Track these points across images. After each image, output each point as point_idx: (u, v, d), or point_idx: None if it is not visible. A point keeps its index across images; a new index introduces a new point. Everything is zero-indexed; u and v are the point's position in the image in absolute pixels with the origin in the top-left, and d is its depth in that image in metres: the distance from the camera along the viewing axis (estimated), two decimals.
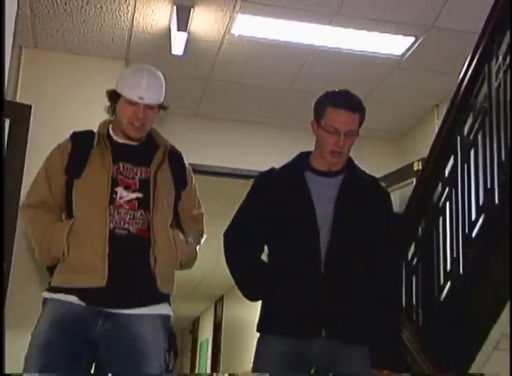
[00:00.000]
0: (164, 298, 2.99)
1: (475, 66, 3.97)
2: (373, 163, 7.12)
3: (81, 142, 3.06)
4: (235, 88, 6.80)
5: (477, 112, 3.96)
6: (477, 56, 3.95)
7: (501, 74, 3.76)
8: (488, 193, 3.73)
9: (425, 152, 4.55)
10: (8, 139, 5.29)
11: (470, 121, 4.01)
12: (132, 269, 2.91)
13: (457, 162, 4.05)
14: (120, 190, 2.96)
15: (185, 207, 3.17)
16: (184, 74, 6.51)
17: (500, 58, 3.78)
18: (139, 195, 2.99)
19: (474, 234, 3.78)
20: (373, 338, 2.99)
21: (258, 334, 3.15)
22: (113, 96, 3.06)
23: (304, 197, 3.07)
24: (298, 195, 3.10)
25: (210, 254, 6.15)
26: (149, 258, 2.94)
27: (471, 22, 3.92)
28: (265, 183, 3.24)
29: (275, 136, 7.36)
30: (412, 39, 5.90)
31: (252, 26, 5.81)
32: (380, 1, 5.40)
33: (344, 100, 3.07)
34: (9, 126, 5.32)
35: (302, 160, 3.23)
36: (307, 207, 3.05)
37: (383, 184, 6.88)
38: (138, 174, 3.04)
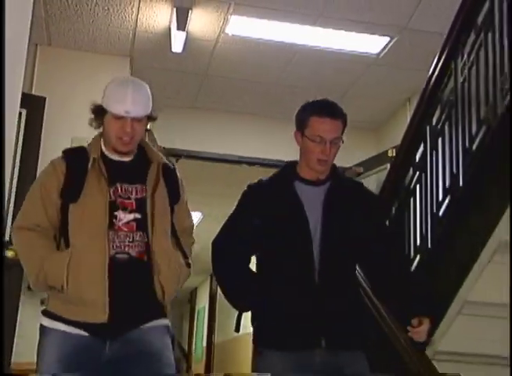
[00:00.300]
0: (165, 314, 2.74)
1: (443, 63, 3.97)
2: (353, 151, 7.15)
3: (75, 162, 2.69)
4: (229, 83, 6.79)
5: (444, 104, 3.96)
6: (444, 55, 3.95)
7: (466, 71, 3.77)
8: (454, 176, 3.74)
9: (398, 140, 4.58)
10: (25, 128, 5.30)
11: (438, 112, 4.01)
12: (136, 297, 2.63)
13: (426, 149, 4.06)
14: (119, 213, 2.65)
15: (178, 219, 2.84)
16: (183, 69, 6.51)
17: (465, 56, 3.79)
18: (137, 215, 2.68)
19: (440, 213, 3.79)
20: (404, 298, 2.85)
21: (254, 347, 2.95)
22: (100, 111, 2.72)
23: (296, 207, 2.85)
24: (290, 205, 2.87)
25: (207, 232, 6.22)
26: (154, 285, 2.65)
27: (440, 24, 3.93)
28: (255, 194, 2.98)
29: (264, 126, 7.37)
30: (387, 39, 5.92)
31: (244, 26, 5.83)
32: (359, 5, 5.40)
33: (327, 109, 2.89)
34: (26, 116, 5.32)
35: (290, 170, 2.99)
36: (300, 217, 2.83)
37: (361, 170, 6.99)
38: (134, 193, 2.71)
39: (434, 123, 4.02)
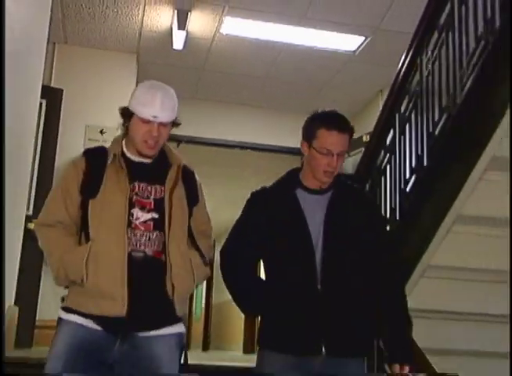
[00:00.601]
0: (179, 319, 2.48)
1: (410, 59, 3.97)
2: None
3: (95, 160, 2.48)
4: (224, 77, 6.80)
5: (411, 95, 3.97)
6: (411, 52, 3.96)
7: (430, 66, 3.79)
8: (419, 157, 3.76)
9: (372, 127, 4.53)
10: (45, 116, 5.33)
11: (405, 102, 4.02)
12: (151, 295, 2.40)
13: (396, 134, 4.06)
14: (136, 212, 2.42)
15: (196, 222, 2.59)
16: (183, 64, 6.52)
17: (429, 53, 3.81)
18: (155, 215, 2.45)
19: (407, 189, 3.81)
20: (386, 335, 2.62)
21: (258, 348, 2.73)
22: (126, 114, 2.49)
23: (297, 216, 2.62)
24: (291, 214, 2.64)
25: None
26: (166, 283, 2.43)
27: (409, 25, 3.95)
28: (259, 202, 2.75)
29: (254, 114, 7.40)
30: (362, 38, 5.96)
31: (237, 26, 5.86)
32: (337, 7, 5.45)
33: (336, 122, 2.62)
34: (46, 105, 5.34)
35: (292, 179, 2.75)
36: (301, 226, 2.60)
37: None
38: (153, 193, 2.48)
39: (402, 111, 4.02)
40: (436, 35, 3.76)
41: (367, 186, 4.32)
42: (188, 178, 2.60)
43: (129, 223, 2.39)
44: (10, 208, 3.81)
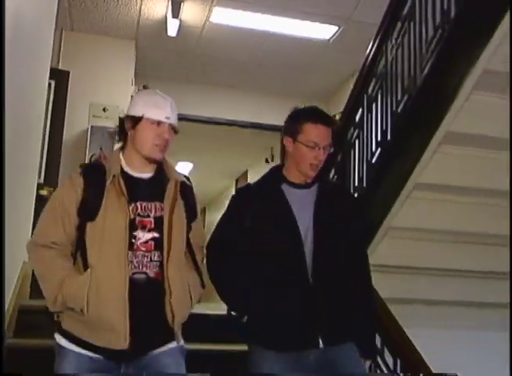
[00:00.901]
0: (178, 336, 2.20)
1: (377, 46, 3.97)
2: None
3: (94, 178, 2.15)
4: (213, 61, 6.80)
5: (377, 78, 3.97)
6: (378, 40, 3.95)
7: (394, 52, 3.79)
8: (383, 132, 3.78)
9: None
10: (54, 95, 5.32)
11: (372, 84, 4.02)
12: (152, 321, 2.12)
13: (364, 112, 4.08)
14: (137, 233, 2.13)
15: (194, 237, 2.33)
16: (177, 50, 6.52)
17: (393, 40, 3.81)
18: (155, 235, 2.15)
19: (373, 161, 3.83)
20: (359, 333, 2.42)
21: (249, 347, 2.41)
22: (133, 120, 2.18)
23: (284, 210, 2.40)
24: (278, 208, 2.41)
25: (196, 178, 6.35)
26: (165, 307, 2.13)
27: (377, 17, 3.95)
28: (244, 198, 2.52)
29: (240, 95, 7.41)
30: (336, 28, 5.99)
31: (225, 16, 5.86)
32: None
33: (322, 117, 2.46)
34: (54, 86, 5.33)
35: (276, 174, 2.53)
36: (289, 220, 2.38)
37: None
38: (153, 211, 2.17)
39: (369, 92, 4.03)
40: (399, 25, 3.75)
41: (339, 157, 4.36)
42: (187, 193, 2.30)
43: (130, 246, 2.10)
44: (23, 176, 3.84)
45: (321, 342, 2.30)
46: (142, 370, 2.09)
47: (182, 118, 7.34)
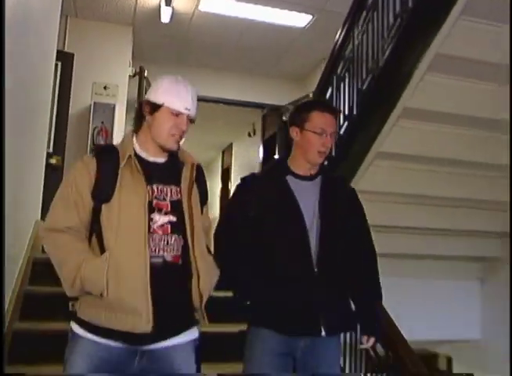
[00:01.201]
0: (196, 322, 1.95)
1: (345, 32, 4.00)
2: (286, 94, 7.29)
3: (106, 160, 1.89)
4: (201, 45, 6.71)
5: (345, 60, 4.01)
6: (346, 26, 3.98)
7: (360, 37, 3.83)
8: (350, 108, 3.82)
9: None
10: (60, 75, 5.28)
11: (341, 65, 4.05)
12: (174, 305, 1.86)
13: (333, 90, 4.11)
14: (155, 216, 1.86)
15: (204, 220, 2.06)
16: (169, 35, 6.42)
17: (359, 27, 3.84)
18: (172, 218, 1.89)
19: (341, 132, 3.80)
20: (364, 311, 2.25)
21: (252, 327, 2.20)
22: (152, 107, 1.91)
23: (289, 200, 2.20)
24: (283, 198, 2.21)
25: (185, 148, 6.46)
26: (191, 291, 1.89)
27: (347, 7, 3.97)
28: (249, 185, 2.28)
29: (226, 76, 7.34)
30: (310, 17, 5.94)
31: (212, 5, 5.77)
32: None
33: (328, 105, 2.35)
34: (61, 66, 5.28)
35: (281, 166, 2.31)
36: (294, 210, 2.18)
37: (291, 107, 7.05)
38: (169, 194, 1.92)
39: (338, 73, 4.06)
40: (364, 14, 3.79)
41: None
42: (200, 177, 2.05)
43: (148, 228, 1.84)
44: (34, 145, 3.86)
45: (323, 331, 2.13)
46: (154, 363, 1.83)
47: None
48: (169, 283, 1.85)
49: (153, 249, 1.84)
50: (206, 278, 1.91)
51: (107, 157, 1.90)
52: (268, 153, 7.08)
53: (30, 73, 3.34)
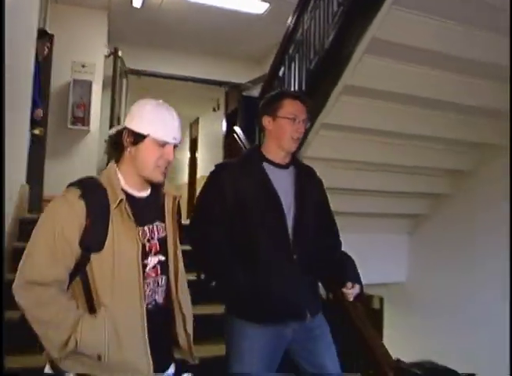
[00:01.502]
0: (174, 360, 1.68)
1: (296, 18, 3.99)
2: (246, 73, 7.27)
3: (95, 202, 1.48)
4: (171, 28, 6.59)
5: (296, 43, 4.01)
6: (297, 13, 3.97)
7: (308, 22, 3.83)
8: (299, 85, 3.82)
9: None
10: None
11: (292, 47, 4.05)
12: (163, 347, 1.60)
13: (285, 69, 4.11)
14: (147, 259, 1.56)
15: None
16: (141, 19, 6.27)
17: (308, 13, 3.84)
18: (161, 258, 1.60)
19: None
20: (342, 266, 2.09)
21: (234, 320, 1.99)
22: (137, 138, 1.54)
23: (267, 187, 2.02)
24: (261, 185, 2.02)
25: None
26: (177, 336, 1.63)
27: None
28: (225, 172, 2.05)
29: (193, 56, 7.23)
30: (268, 4, 5.90)
31: None
32: None
33: (299, 95, 2.18)
34: None
35: (255, 154, 2.13)
36: (272, 197, 2.00)
37: (251, 85, 7.03)
38: (156, 232, 1.60)
39: (290, 53, 4.06)
40: (312, 2, 3.78)
41: None
42: (179, 209, 1.72)
43: (142, 275, 1.53)
44: (18, 116, 3.78)
45: (308, 314, 2.02)
46: None
47: (146, 74, 7.16)
48: (158, 326, 1.57)
49: (149, 294, 1.56)
50: (190, 321, 1.66)
51: (95, 197, 1.50)
52: (230, 125, 7.10)
53: (17, 49, 3.25)
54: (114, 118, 5.69)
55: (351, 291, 2.00)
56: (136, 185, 1.60)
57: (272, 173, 2.06)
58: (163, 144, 1.55)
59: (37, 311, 1.42)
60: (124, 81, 6.44)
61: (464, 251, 4.44)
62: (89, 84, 5.87)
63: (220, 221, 2.01)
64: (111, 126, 5.63)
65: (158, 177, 1.59)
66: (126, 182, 1.59)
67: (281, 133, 2.06)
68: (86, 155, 5.81)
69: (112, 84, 5.85)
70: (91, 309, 1.47)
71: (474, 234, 4.37)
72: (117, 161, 1.61)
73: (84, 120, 5.79)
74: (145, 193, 1.63)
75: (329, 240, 2.20)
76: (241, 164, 2.11)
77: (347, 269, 2.08)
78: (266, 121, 2.11)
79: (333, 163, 3.99)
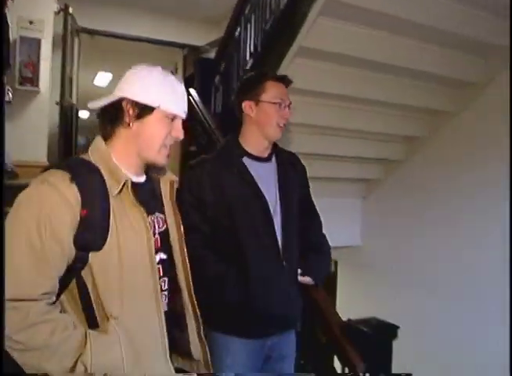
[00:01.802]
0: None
1: None
2: (204, 36, 7.12)
3: (90, 187, 1.19)
4: None
5: (252, 2, 3.94)
6: None
7: None
8: (255, 45, 3.79)
9: None
10: None
11: (248, 8, 3.99)
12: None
13: (241, 30, 4.06)
14: (158, 257, 1.33)
15: None
16: None
17: None
18: (162, 256, 1.35)
19: (247, 67, 3.79)
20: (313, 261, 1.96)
21: (219, 335, 1.80)
22: (143, 110, 1.30)
23: (250, 184, 1.81)
24: (244, 182, 1.81)
25: (114, 85, 6.21)
26: (191, 341, 1.42)
27: None
28: (200, 171, 1.82)
29: (151, 17, 7.00)
30: None
31: None
32: None
33: (282, 76, 1.96)
34: None
35: (234, 146, 1.92)
36: (257, 195, 1.81)
37: (209, 47, 6.90)
38: (157, 225, 1.36)
39: (246, 13, 4.01)
40: None
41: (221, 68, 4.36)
42: (176, 195, 1.50)
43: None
44: None
45: (292, 326, 1.93)
46: None
47: (99, 34, 6.91)
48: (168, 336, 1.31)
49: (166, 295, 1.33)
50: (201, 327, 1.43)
51: (89, 181, 1.20)
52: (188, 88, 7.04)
53: None
54: (66, 79, 5.49)
55: (302, 279, 1.94)
56: (133, 167, 1.33)
57: (254, 169, 1.86)
58: (172, 118, 1.34)
59: (24, 335, 1.09)
60: (75, 41, 6.20)
61: (417, 216, 4.57)
62: (38, 43, 5.60)
63: (199, 230, 1.77)
64: (63, 87, 5.44)
65: (163, 159, 1.35)
66: (120, 164, 1.30)
67: (266, 120, 1.88)
68: (36, 117, 5.62)
69: (63, 43, 5.62)
70: (93, 324, 1.18)
71: (427, 199, 4.50)
72: (106, 139, 1.33)
73: (33, 80, 5.56)
74: (142, 178, 1.38)
75: (313, 238, 2.05)
76: (218, 160, 1.88)
77: (309, 261, 1.97)
78: (247, 106, 1.90)
79: (288, 127, 3.99)
